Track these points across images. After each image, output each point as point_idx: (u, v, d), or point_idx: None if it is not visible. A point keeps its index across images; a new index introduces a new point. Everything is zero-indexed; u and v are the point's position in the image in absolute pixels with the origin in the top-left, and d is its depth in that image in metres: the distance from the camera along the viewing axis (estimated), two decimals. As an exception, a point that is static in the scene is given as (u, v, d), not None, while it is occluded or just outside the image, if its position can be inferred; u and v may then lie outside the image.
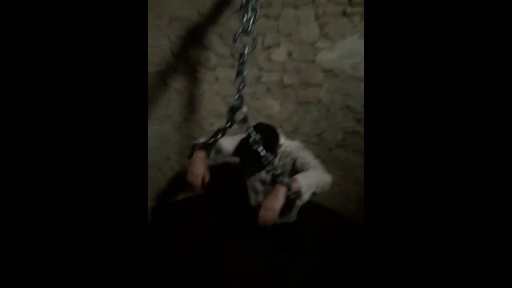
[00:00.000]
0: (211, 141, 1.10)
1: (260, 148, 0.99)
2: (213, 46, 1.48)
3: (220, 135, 1.08)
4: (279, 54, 1.49)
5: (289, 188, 0.94)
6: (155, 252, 1.42)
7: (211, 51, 1.50)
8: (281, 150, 1.25)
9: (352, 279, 1.33)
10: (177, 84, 1.58)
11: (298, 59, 1.49)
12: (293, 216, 1.41)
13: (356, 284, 1.31)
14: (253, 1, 0.88)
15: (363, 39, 1.33)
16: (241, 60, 0.95)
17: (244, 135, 1.27)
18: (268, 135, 1.11)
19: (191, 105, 1.66)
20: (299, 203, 1.40)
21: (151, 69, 1.45)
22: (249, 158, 1.10)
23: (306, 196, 0.98)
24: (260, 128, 1.09)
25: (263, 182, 1.34)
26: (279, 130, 1.26)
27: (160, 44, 1.45)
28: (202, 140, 1.15)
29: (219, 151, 1.24)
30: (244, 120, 1.00)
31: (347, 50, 1.38)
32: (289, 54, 1.49)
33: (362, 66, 1.40)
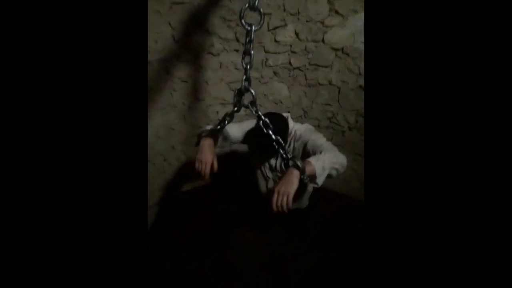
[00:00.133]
0: (218, 128, 1.05)
1: (271, 131, 0.94)
2: (216, 30, 1.42)
3: (227, 121, 1.03)
4: (286, 35, 1.42)
5: (302, 171, 0.89)
6: (161, 244, 1.41)
7: (215, 35, 1.44)
8: (291, 134, 1.20)
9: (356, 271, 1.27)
10: (180, 72, 1.53)
11: (306, 39, 1.41)
12: (304, 201, 1.37)
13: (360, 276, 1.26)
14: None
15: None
16: (248, 38, 0.88)
17: (251, 121, 1.23)
18: (277, 123, 1.04)
19: (195, 93, 1.61)
20: (310, 188, 1.37)
21: (152, 57, 1.40)
22: (260, 143, 1.05)
23: (320, 179, 0.94)
24: (269, 117, 1.03)
25: (272, 169, 1.29)
26: (287, 114, 1.21)
27: (161, 31, 1.39)
28: (208, 127, 1.10)
29: (226, 138, 1.19)
30: (252, 103, 0.95)
31: (359, 26, 1.29)
32: (297, 34, 1.41)
33: (375, 42, 1.31)
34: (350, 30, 1.32)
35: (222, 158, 1.05)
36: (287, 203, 0.88)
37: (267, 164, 1.29)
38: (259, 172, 1.35)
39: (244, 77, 0.93)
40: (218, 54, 1.50)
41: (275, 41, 1.45)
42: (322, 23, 1.34)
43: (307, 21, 1.36)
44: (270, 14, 1.35)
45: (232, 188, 1.58)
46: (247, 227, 1.48)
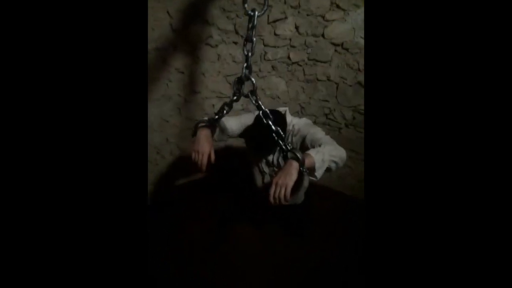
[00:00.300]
0: (216, 117, 1.02)
1: (271, 122, 0.92)
2: (215, 21, 1.39)
3: (226, 110, 1.00)
4: (286, 28, 1.40)
5: (302, 163, 0.87)
6: (161, 243, 1.37)
7: (213, 26, 1.41)
8: (289, 129, 1.18)
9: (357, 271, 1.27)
10: (177, 62, 1.49)
11: (306, 33, 1.40)
12: (300, 197, 1.35)
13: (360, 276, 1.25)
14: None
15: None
16: (251, 24, 0.86)
17: (248, 115, 1.20)
18: (275, 118, 1.01)
19: (191, 85, 1.57)
20: (306, 183, 1.35)
21: (148, 45, 1.36)
22: (258, 136, 1.03)
23: (319, 172, 0.92)
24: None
25: (269, 164, 1.27)
26: (285, 109, 1.19)
27: (158, 18, 1.35)
28: (205, 118, 1.07)
29: (223, 130, 1.16)
30: (252, 92, 0.93)
31: (360, 21, 1.29)
32: (297, 28, 1.40)
33: (376, 38, 1.31)
34: (351, 25, 1.31)
35: (217, 153, 1.02)
36: (285, 195, 0.85)
37: (264, 160, 1.27)
38: (255, 167, 1.33)
39: (245, 65, 0.90)
40: (216, 46, 1.47)
41: (275, 34, 1.43)
42: (323, 17, 1.33)
43: (307, 15, 1.34)
44: (270, 6, 1.33)
45: (228, 179, 1.55)
46: (246, 224, 1.46)
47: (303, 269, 1.28)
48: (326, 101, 1.58)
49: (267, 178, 1.31)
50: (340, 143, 1.01)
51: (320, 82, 1.52)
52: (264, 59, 1.50)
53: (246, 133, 1.21)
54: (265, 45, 1.46)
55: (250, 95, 0.93)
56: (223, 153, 1.75)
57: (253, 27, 0.86)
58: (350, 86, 1.48)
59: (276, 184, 0.86)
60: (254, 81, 0.90)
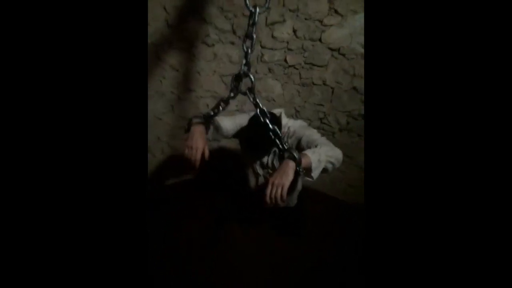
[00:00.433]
0: (212, 113, 1.00)
1: (268, 120, 0.90)
2: (213, 19, 1.38)
3: (222, 107, 0.98)
4: (284, 31, 1.40)
5: (299, 163, 0.86)
6: (159, 243, 1.35)
7: (211, 25, 1.40)
8: (284, 131, 1.17)
9: (354, 272, 1.26)
10: (172, 59, 1.47)
11: (303, 37, 1.40)
12: (294, 199, 1.34)
13: (359, 277, 1.25)
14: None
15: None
16: (252, 21, 0.85)
17: (243, 115, 1.18)
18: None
19: (186, 83, 1.54)
20: (299, 186, 1.34)
21: (144, 39, 1.33)
22: (255, 135, 1.01)
23: (316, 173, 0.91)
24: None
25: (264, 166, 1.25)
26: (280, 110, 1.18)
27: (154, 13, 1.33)
28: (200, 114, 1.04)
29: (217, 129, 1.14)
30: (251, 90, 0.91)
31: (358, 27, 1.30)
32: (295, 31, 1.40)
33: (372, 44, 1.33)
34: (348, 31, 1.33)
35: (211, 154, 0.99)
36: (281, 195, 0.83)
37: (258, 161, 1.25)
38: (250, 169, 1.30)
39: (244, 61, 0.89)
40: (213, 45, 1.46)
41: (272, 37, 1.43)
42: (321, 21, 1.34)
43: (306, 19, 1.35)
44: (269, 8, 1.34)
45: (222, 180, 1.52)
46: (243, 224, 1.44)
47: (300, 269, 1.27)
48: (321, 105, 1.58)
49: (261, 180, 1.29)
50: (334, 148, 1.00)
51: (315, 86, 1.53)
52: (261, 60, 1.49)
53: (241, 133, 1.19)
54: (262, 47, 1.45)
55: (248, 92, 0.91)
56: (217, 154, 1.72)
57: (254, 23, 0.85)
58: (346, 91, 1.49)
59: (273, 184, 0.84)
60: (252, 78, 0.89)
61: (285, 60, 1.49)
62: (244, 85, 0.92)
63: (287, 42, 1.44)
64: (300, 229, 1.40)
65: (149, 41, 1.37)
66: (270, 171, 1.23)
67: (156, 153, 1.69)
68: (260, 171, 1.27)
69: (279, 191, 0.83)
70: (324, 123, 1.63)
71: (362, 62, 1.39)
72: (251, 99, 0.91)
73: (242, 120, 1.17)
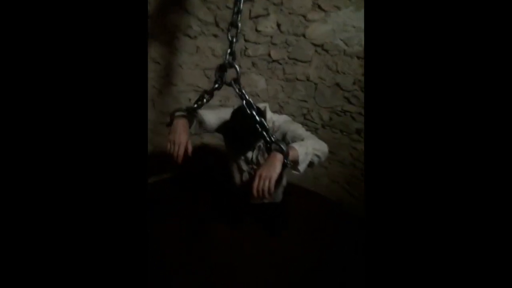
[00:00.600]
0: (195, 106, 0.96)
1: (255, 112, 0.88)
2: (195, 11, 1.34)
3: (206, 99, 0.95)
4: (268, 25, 1.39)
5: (286, 155, 0.84)
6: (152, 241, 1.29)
7: (193, 16, 1.35)
8: (269, 125, 1.15)
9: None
10: (152, 52, 1.41)
11: (287, 32, 1.40)
12: (279, 195, 1.33)
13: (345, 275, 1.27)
14: None
15: (359, 11, 1.28)
16: (237, 9, 0.83)
17: (227, 109, 1.15)
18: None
19: (167, 76, 1.49)
20: (284, 182, 1.33)
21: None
22: (241, 128, 0.99)
23: (303, 166, 0.90)
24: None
25: (248, 162, 1.23)
26: (265, 105, 1.16)
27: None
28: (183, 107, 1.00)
29: (200, 122, 1.10)
30: (236, 80, 0.88)
31: (341, 23, 1.32)
32: (278, 26, 1.39)
33: (356, 40, 1.35)
34: (332, 27, 1.34)
35: (193, 150, 0.95)
36: (269, 188, 0.82)
37: (242, 157, 1.23)
38: (234, 165, 1.28)
39: (228, 51, 0.86)
40: (195, 37, 1.42)
41: (256, 30, 1.41)
42: (305, 16, 1.34)
43: (290, 13, 1.35)
44: (252, 1, 1.32)
45: (205, 177, 1.48)
46: (226, 223, 1.42)
47: (300, 269, 1.27)
48: (305, 101, 1.59)
49: (245, 176, 1.26)
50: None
51: (299, 82, 1.53)
52: (245, 55, 1.47)
53: (225, 128, 1.16)
54: (246, 41, 1.43)
55: (233, 83, 0.89)
56: (200, 152, 1.67)
57: (239, 11, 0.83)
58: (329, 87, 1.51)
59: (260, 176, 0.82)
60: (238, 69, 0.86)
61: (269, 55, 1.48)
62: (229, 77, 0.90)
63: (271, 37, 1.43)
64: (285, 224, 1.39)
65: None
66: (254, 166, 1.21)
67: (135, 150, 1.61)
68: (244, 167, 1.25)
69: (266, 183, 0.81)
70: (308, 119, 1.64)
71: (345, 58, 1.41)
72: (237, 90, 0.88)
73: (225, 114, 1.14)
